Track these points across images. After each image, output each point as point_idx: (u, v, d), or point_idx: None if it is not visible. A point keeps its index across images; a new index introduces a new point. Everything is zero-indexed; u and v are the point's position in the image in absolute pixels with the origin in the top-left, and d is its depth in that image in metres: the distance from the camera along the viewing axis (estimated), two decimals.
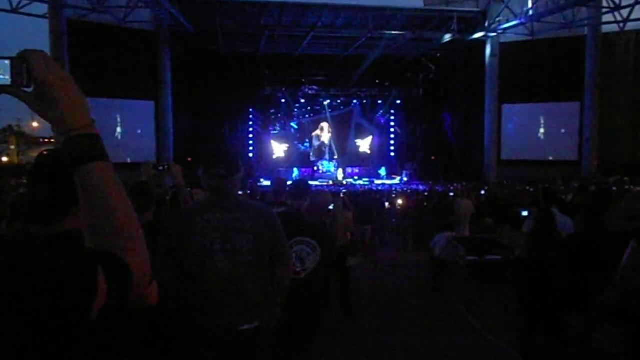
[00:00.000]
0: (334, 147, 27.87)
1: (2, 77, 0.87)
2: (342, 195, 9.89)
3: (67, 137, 0.94)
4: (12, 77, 0.88)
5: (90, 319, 0.84)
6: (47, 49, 17.26)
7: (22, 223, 1.38)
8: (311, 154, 27.66)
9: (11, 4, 16.56)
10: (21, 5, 16.73)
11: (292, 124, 27.75)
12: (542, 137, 22.39)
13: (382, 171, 27.69)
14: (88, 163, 0.95)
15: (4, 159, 37.18)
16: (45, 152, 1.47)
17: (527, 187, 14.74)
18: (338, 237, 5.97)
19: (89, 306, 0.83)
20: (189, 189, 3.69)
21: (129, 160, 17.34)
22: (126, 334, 1.76)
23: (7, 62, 0.87)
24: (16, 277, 0.76)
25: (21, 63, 0.88)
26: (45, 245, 0.88)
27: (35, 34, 20.25)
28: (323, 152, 27.84)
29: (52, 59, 0.91)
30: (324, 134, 27.87)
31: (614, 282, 2.87)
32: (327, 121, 27.58)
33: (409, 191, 17.52)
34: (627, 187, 9.08)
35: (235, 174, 2.57)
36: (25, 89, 0.90)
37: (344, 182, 24.71)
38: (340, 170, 26.41)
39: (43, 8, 17.73)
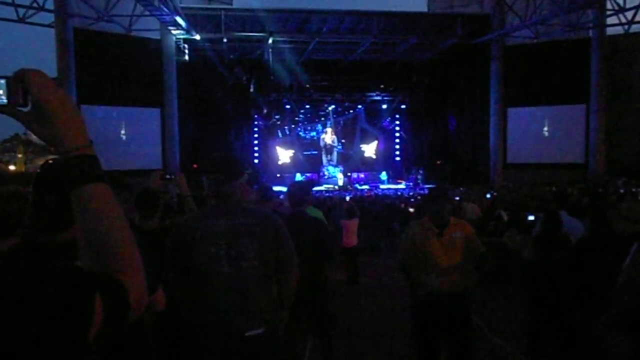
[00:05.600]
0: (335, 151, 28.06)
1: None
2: (347, 200, 9.84)
3: (64, 158, 0.92)
4: (8, 96, 0.85)
5: (88, 343, 0.83)
6: (53, 58, 17.55)
7: (30, 231, 1.38)
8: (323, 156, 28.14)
9: (18, 14, 16.71)
10: (28, 14, 16.88)
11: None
12: (548, 139, 22.26)
13: (383, 175, 27.63)
14: (85, 185, 0.93)
15: (12, 167, 37.31)
16: (50, 161, 1.48)
17: (534, 191, 14.64)
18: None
19: (85, 332, 0.82)
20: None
21: (135, 167, 17.41)
22: (130, 342, 1.77)
23: (2, 81, 0.85)
24: (11, 305, 0.74)
25: (17, 82, 0.85)
26: (43, 263, 0.86)
27: (42, 43, 20.42)
28: (329, 152, 28.14)
29: (49, 78, 0.89)
30: (328, 135, 28.07)
31: (622, 286, 2.84)
32: (331, 126, 27.91)
33: (416, 195, 17.47)
34: (634, 189, 9.04)
35: (237, 179, 2.57)
36: (22, 109, 0.87)
37: (349, 188, 24.71)
38: (341, 175, 26.44)
39: (49, 17, 17.91)
